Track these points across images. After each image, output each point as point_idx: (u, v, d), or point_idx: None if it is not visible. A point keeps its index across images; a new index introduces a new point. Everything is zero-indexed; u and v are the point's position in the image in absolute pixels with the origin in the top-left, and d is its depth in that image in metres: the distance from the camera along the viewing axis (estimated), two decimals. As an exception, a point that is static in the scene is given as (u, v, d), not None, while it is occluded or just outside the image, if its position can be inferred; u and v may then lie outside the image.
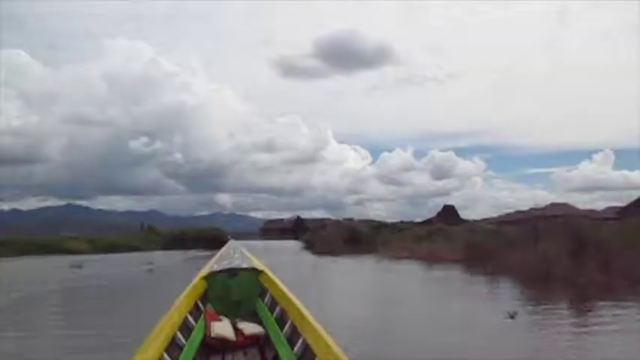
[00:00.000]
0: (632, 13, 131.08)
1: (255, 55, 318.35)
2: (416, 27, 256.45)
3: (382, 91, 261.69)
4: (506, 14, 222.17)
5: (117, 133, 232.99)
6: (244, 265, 5.95)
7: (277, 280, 5.44)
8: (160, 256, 40.35)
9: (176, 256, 40.54)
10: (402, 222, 51.32)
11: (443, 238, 33.73)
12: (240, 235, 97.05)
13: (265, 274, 5.71)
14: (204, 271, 5.82)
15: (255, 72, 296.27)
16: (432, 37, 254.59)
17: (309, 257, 35.35)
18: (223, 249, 7.62)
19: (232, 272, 5.77)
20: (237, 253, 6.76)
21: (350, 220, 50.30)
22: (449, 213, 68.04)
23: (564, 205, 62.71)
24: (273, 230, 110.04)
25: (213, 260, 6.51)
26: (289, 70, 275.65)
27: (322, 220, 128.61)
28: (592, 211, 58.05)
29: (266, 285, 5.62)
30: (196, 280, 5.61)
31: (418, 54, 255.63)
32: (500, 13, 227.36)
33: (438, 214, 68.55)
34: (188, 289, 5.29)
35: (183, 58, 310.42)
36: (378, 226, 48.68)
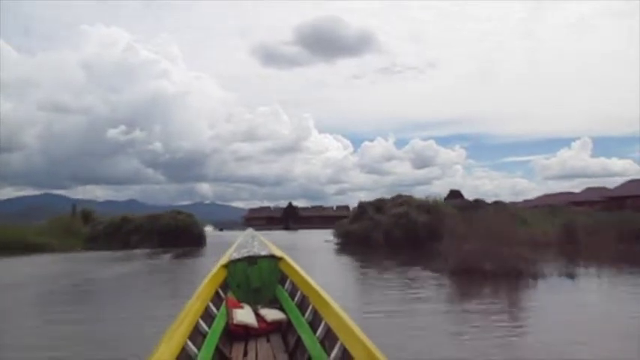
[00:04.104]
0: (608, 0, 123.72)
1: (234, 42, 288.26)
2: (396, 14, 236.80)
3: (363, 80, 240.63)
4: (485, 2, 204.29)
5: (94, 121, 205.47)
6: (263, 253, 5.37)
7: (297, 267, 4.87)
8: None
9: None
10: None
11: None
12: (224, 225, 72.85)
13: (285, 260, 5.18)
14: (224, 260, 5.25)
15: (235, 59, 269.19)
16: (412, 25, 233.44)
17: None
18: (240, 238, 6.29)
19: (252, 260, 5.25)
20: (256, 241, 5.91)
21: (405, 197, 25.24)
22: (456, 198, 50.81)
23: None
24: (259, 219, 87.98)
25: (232, 248, 5.65)
26: (270, 57, 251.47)
27: (310, 208, 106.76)
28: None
29: (286, 271, 5.07)
30: (216, 268, 5.05)
31: (399, 42, 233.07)
32: (478, 2, 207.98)
33: (444, 199, 50.40)
34: (209, 277, 4.77)
35: (162, 46, 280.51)
36: (467, 206, 24.58)
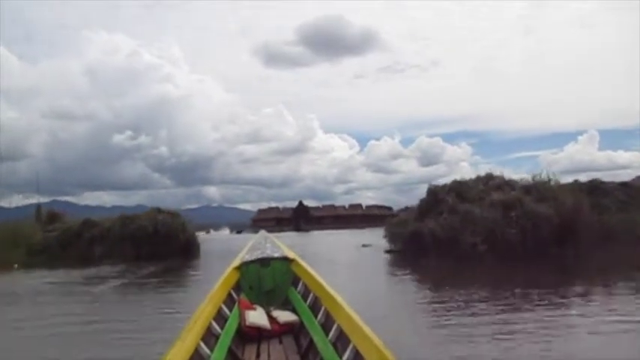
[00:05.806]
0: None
1: (237, 43, 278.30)
2: (398, 13, 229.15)
3: (367, 79, 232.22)
4: (486, 1, 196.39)
5: (100, 127, 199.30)
6: (276, 255, 5.18)
7: (309, 269, 4.68)
8: None
9: None
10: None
11: None
12: (233, 227, 64.07)
13: (297, 262, 4.98)
14: (237, 262, 5.03)
15: (238, 60, 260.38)
16: (413, 23, 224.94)
17: None
18: (253, 241, 6.06)
19: (264, 262, 5.04)
20: (269, 243, 5.72)
21: (500, 178, 16.04)
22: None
23: None
24: (268, 220, 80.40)
25: (244, 250, 5.42)
26: (272, 58, 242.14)
27: (321, 207, 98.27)
28: None
29: (298, 273, 4.88)
30: (229, 270, 4.85)
31: (401, 40, 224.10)
32: (479, 0, 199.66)
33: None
34: (221, 279, 4.62)
35: (165, 50, 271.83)
36: (583, 189, 15.83)
